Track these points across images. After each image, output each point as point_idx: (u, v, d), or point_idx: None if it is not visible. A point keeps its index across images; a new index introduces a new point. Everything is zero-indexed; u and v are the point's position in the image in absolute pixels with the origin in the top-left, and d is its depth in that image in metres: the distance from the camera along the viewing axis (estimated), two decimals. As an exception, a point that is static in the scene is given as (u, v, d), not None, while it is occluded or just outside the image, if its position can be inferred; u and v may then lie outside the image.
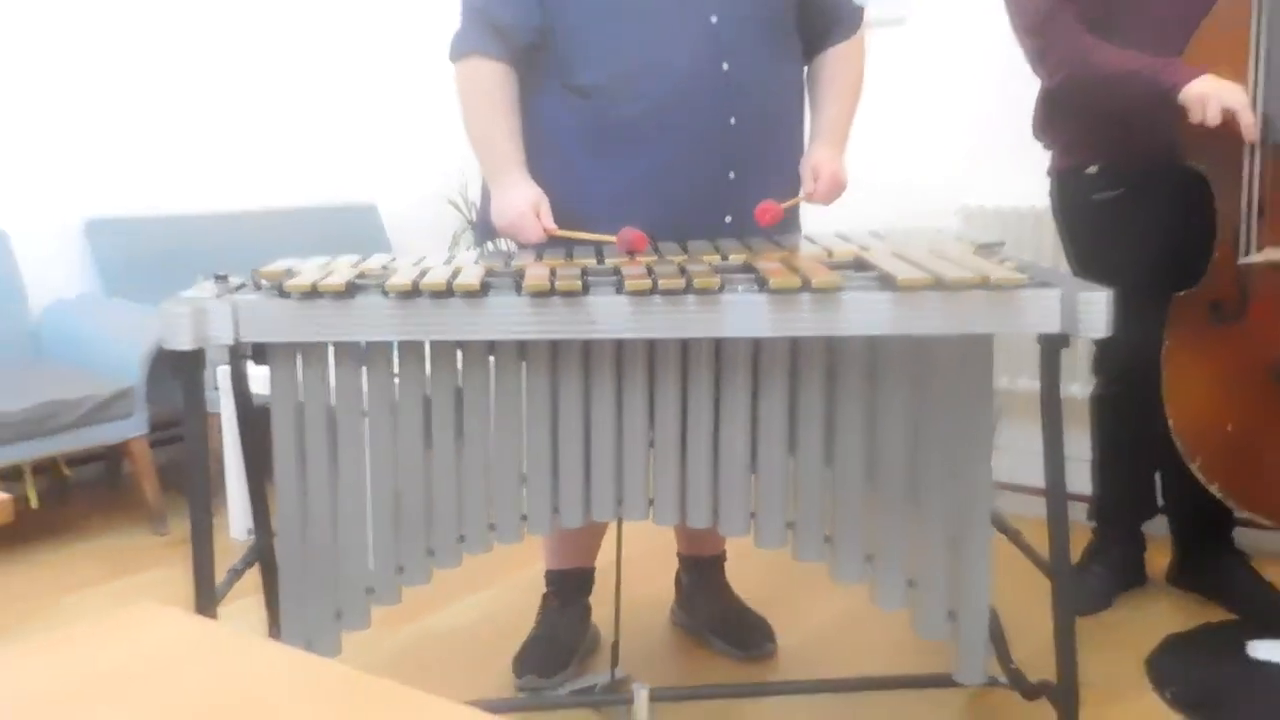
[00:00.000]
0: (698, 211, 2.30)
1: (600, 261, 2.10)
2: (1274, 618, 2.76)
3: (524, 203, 2.26)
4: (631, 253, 2.11)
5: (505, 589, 3.08)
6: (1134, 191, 2.69)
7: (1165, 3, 2.59)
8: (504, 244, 2.49)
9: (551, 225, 2.25)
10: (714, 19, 2.28)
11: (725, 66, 2.28)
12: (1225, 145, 2.48)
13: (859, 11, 2.51)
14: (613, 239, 2.15)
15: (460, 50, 2.34)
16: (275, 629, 2.25)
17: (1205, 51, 2.52)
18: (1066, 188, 2.83)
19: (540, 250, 2.26)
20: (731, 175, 2.31)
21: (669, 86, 2.26)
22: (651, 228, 2.15)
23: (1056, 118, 2.79)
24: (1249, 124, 2.41)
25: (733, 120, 2.29)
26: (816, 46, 2.46)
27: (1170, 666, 2.58)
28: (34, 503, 3.64)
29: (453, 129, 2.44)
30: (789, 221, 2.48)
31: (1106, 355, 2.86)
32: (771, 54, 2.36)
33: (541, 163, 2.32)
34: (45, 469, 3.79)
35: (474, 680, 2.60)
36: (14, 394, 3.38)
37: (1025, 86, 2.83)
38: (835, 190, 2.37)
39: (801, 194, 2.38)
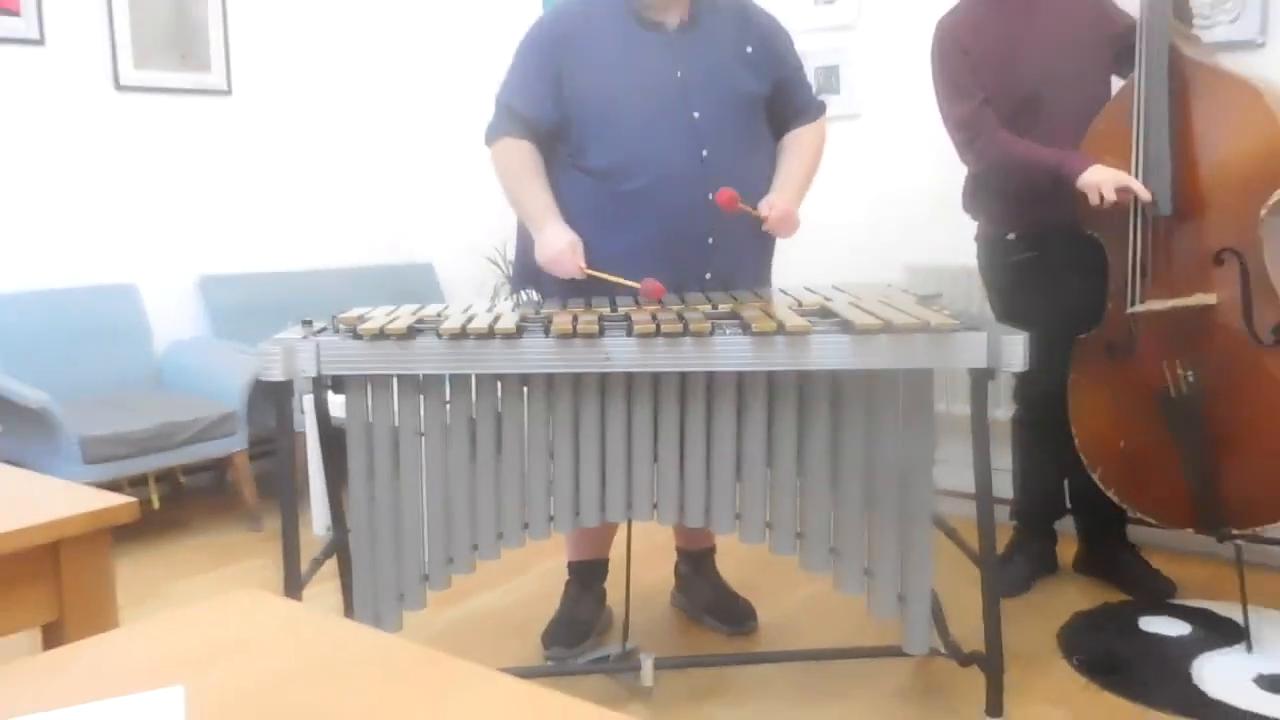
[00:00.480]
0: (684, 270, 2.28)
1: (614, 309, 2.10)
2: (1160, 598, 2.75)
3: (562, 243, 2.23)
4: (642, 299, 2.09)
5: (535, 576, 3.06)
6: (1044, 254, 2.68)
7: (1066, 106, 2.59)
8: (534, 294, 2.48)
9: (584, 264, 2.23)
10: (696, 114, 2.28)
11: (704, 153, 2.28)
12: (1114, 218, 2.48)
13: (821, 105, 2.51)
14: (637, 285, 2.13)
15: (493, 136, 2.36)
16: (349, 609, 2.23)
17: (1096, 144, 2.54)
18: (990, 251, 2.82)
19: (565, 299, 2.26)
20: (710, 240, 2.29)
21: (658, 169, 2.26)
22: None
23: (980, 195, 2.79)
24: (1145, 194, 2.41)
25: (711, 196, 2.28)
26: (784, 131, 2.45)
27: (1077, 638, 2.55)
28: (155, 505, 3.62)
29: (493, 203, 2.45)
30: (763, 275, 2.47)
31: (1024, 386, 2.84)
32: (743, 142, 2.35)
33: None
34: (165, 477, 3.77)
35: (509, 651, 2.58)
36: (141, 416, 3.38)
37: (956, 169, 2.83)
38: (787, 222, 2.29)
39: (761, 212, 2.28)
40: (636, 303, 2.16)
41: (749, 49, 2.37)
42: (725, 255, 2.28)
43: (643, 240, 2.26)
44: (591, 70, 2.29)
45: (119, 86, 3.76)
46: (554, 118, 2.30)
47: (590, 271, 2.23)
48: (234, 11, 4.03)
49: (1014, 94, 2.62)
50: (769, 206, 2.28)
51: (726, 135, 2.30)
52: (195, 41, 3.93)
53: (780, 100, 2.41)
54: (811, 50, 3.62)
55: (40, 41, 3.57)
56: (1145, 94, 2.43)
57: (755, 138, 2.39)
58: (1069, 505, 2.95)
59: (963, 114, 2.64)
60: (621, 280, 2.19)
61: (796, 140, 2.44)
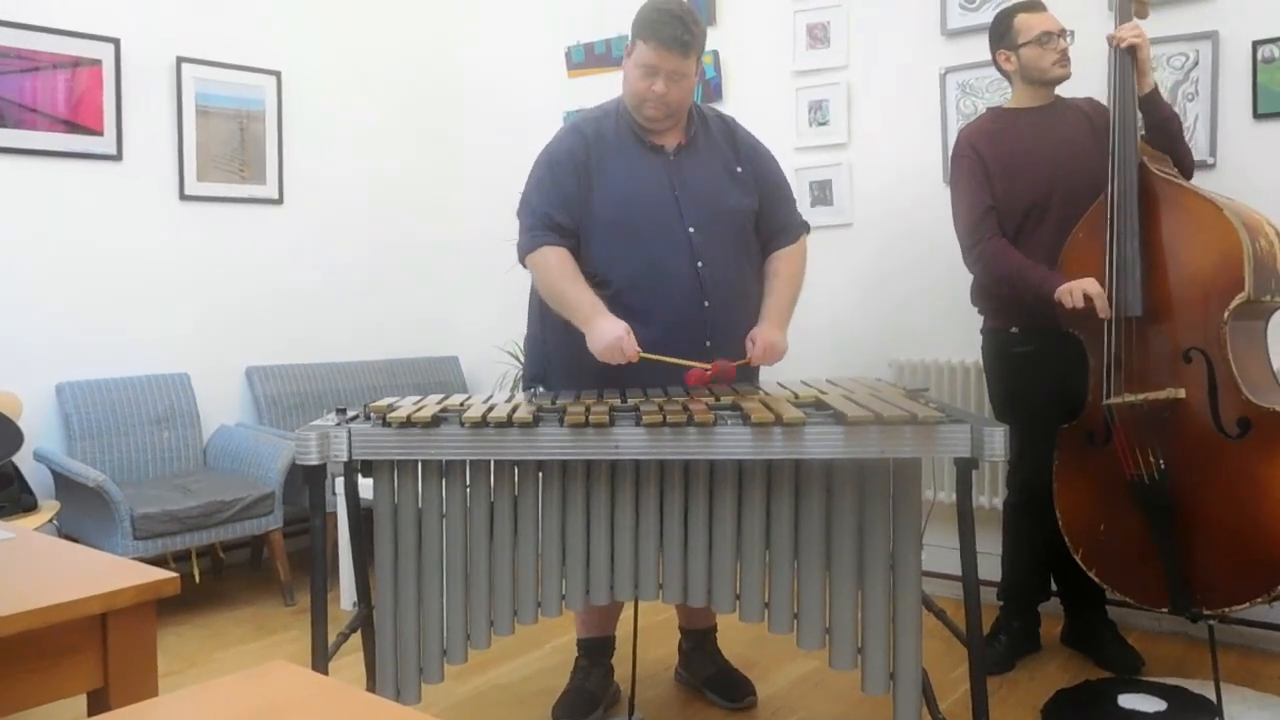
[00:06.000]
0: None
1: (623, 401, 2.10)
2: (1129, 670, 2.71)
3: (617, 331, 2.19)
4: (714, 380, 2.08)
5: (547, 652, 3.01)
6: (1042, 347, 2.70)
7: (1068, 213, 2.62)
8: (540, 390, 2.47)
9: (638, 350, 2.19)
10: (691, 229, 2.32)
11: (699, 265, 2.31)
12: (1093, 319, 2.51)
13: (802, 224, 2.52)
14: (692, 365, 2.13)
15: (529, 248, 2.34)
16: (371, 681, 2.19)
17: (1076, 250, 2.58)
18: (994, 342, 2.83)
19: (579, 392, 2.26)
20: (708, 344, 2.31)
21: (658, 280, 2.29)
22: (652, 384, 2.14)
23: (988, 291, 2.81)
24: (1102, 306, 2.46)
25: (706, 304, 2.31)
26: (769, 249, 2.46)
27: (1059, 714, 2.48)
28: (197, 579, 3.59)
29: (512, 302, 2.47)
30: (750, 374, 2.45)
31: (1016, 472, 2.82)
32: (735, 255, 2.37)
33: (570, 333, 2.30)
34: (206, 552, 3.76)
35: (523, 722, 2.53)
36: (188, 496, 3.38)
37: (937, 274, 2.87)
38: (770, 355, 2.30)
39: (745, 359, 2.29)
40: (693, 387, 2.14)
41: (739, 169, 2.41)
42: (722, 357, 2.28)
43: (645, 345, 2.25)
44: (603, 186, 2.34)
45: (183, 196, 3.85)
46: (583, 225, 2.33)
47: (645, 355, 2.19)
48: (288, 131, 4.15)
49: (1021, 200, 2.68)
50: (751, 342, 2.29)
51: (718, 249, 2.33)
52: (252, 157, 4.04)
53: (765, 217, 2.44)
54: (807, 166, 3.69)
55: (118, 158, 3.67)
56: (1117, 205, 2.47)
57: (745, 248, 2.41)
58: (1054, 583, 2.91)
59: (970, 221, 2.70)
60: (678, 361, 2.17)
61: (777, 267, 2.44)
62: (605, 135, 2.38)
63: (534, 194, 2.39)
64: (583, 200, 2.33)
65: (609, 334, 2.19)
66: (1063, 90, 2.76)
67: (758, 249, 2.45)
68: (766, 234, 2.46)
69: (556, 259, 2.31)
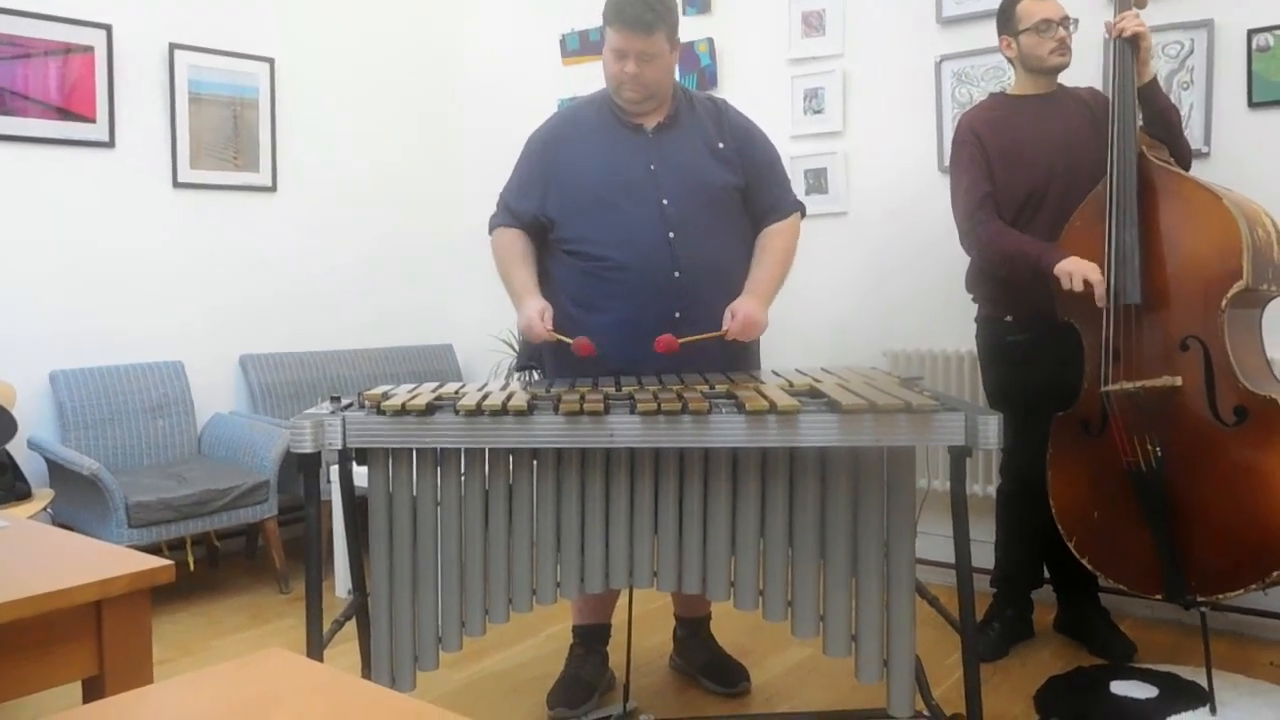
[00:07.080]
0: (653, 342, 2.25)
1: (619, 389, 2.10)
2: (1121, 657, 2.73)
3: (533, 311, 2.30)
4: (581, 356, 2.20)
5: (542, 640, 3.02)
6: (1037, 336, 2.71)
7: (1067, 201, 2.63)
8: (534, 375, 2.52)
9: (550, 328, 2.28)
10: (665, 201, 2.34)
11: (671, 235, 2.32)
12: (1089, 306, 2.51)
13: (795, 204, 2.51)
14: (583, 340, 2.22)
15: (492, 226, 2.49)
16: (366, 668, 2.20)
17: (1074, 237, 2.58)
18: (989, 331, 2.83)
19: (560, 374, 2.27)
20: (677, 314, 2.32)
21: (629, 251, 2.32)
22: (619, 354, 2.24)
23: (982, 279, 2.82)
24: (1100, 293, 2.45)
25: (677, 274, 2.32)
26: (760, 225, 2.47)
27: (1052, 700, 2.50)
28: (192, 567, 3.59)
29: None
30: (750, 359, 2.48)
31: (1009, 460, 2.83)
32: (711, 228, 2.37)
33: (558, 319, 2.35)
34: (201, 541, 3.75)
35: (517, 711, 2.53)
36: (182, 484, 3.38)
37: (932, 263, 2.87)
38: (749, 329, 2.29)
39: (721, 331, 2.30)
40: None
41: (721, 145, 2.42)
42: (693, 328, 2.29)
43: (618, 314, 2.30)
44: (576, 166, 2.39)
45: (176, 184, 3.83)
46: (541, 211, 2.40)
47: (553, 335, 2.28)
48: (281, 119, 4.13)
49: (1021, 188, 2.68)
50: (731, 315, 2.29)
51: (693, 221, 2.34)
52: (246, 145, 4.02)
53: (754, 196, 2.45)
54: (802, 154, 3.69)
55: (110, 144, 3.66)
56: (1116, 194, 2.47)
57: (725, 223, 2.41)
58: (1047, 570, 2.92)
59: (969, 206, 2.70)
60: (566, 339, 2.26)
61: (766, 242, 2.44)
62: (584, 119, 2.44)
63: (509, 180, 2.51)
64: (551, 182, 2.39)
65: (526, 313, 2.32)
66: (1062, 78, 2.76)
67: (745, 227, 2.45)
68: (757, 213, 2.46)
69: (507, 239, 2.44)
